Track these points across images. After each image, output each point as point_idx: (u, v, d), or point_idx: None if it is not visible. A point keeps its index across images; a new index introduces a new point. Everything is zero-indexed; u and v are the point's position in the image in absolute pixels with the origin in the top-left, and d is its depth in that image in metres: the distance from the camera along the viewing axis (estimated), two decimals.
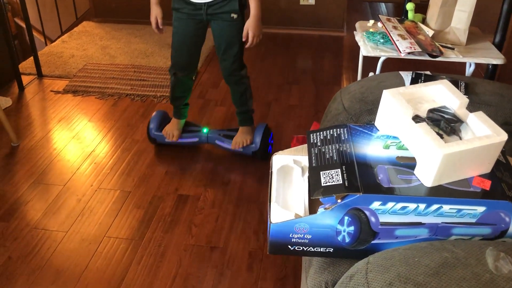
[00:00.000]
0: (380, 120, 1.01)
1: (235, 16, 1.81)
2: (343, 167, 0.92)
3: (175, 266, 1.55)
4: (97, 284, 1.50)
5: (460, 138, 0.92)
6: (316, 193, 0.90)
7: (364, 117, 1.33)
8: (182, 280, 1.50)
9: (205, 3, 1.78)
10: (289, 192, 1.02)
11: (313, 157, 0.98)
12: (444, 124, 0.93)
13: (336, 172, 0.92)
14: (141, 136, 2.28)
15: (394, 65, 1.89)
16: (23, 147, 2.22)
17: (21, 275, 1.52)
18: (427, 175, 0.88)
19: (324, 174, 0.92)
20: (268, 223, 0.95)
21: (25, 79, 2.81)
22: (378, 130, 1.02)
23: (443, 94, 0.98)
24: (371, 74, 1.81)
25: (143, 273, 1.53)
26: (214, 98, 2.65)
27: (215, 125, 2.38)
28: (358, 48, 1.90)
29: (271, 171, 1.06)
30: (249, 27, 1.78)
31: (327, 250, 0.96)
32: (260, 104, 2.57)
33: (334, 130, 1.02)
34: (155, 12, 1.88)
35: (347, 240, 0.93)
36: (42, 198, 1.88)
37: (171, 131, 2.09)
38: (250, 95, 2.04)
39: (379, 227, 0.90)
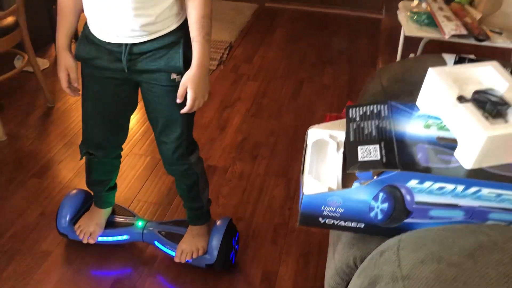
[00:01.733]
0: (423, 99, 0.99)
1: (177, 77, 1.14)
2: (382, 143, 0.91)
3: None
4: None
5: (506, 122, 0.89)
6: (352, 167, 0.89)
7: (403, 98, 1.31)
8: None
9: (126, 45, 1.11)
10: (323, 166, 1.02)
11: (351, 132, 0.97)
12: (490, 106, 0.90)
13: (374, 147, 0.90)
14: None
15: (435, 48, 1.85)
16: (58, 108, 2.26)
17: (52, 230, 1.56)
18: (468, 156, 0.86)
19: (362, 149, 0.91)
20: (301, 194, 0.95)
21: None
22: (419, 109, 1.00)
23: (491, 76, 0.95)
24: (411, 55, 1.77)
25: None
26: (247, 73, 2.65)
27: (245, 100, 2.38)
28: (396, 31, 1.86)
29: (306, 144, 1.06)
30: (189, 83, 1.09)
31: (358, 226, 0.95)
32: (292, 82, 2.55)
33: (374, 106, 1.00)
34: (65, 62, 1.19)
35: (379, 217, 0.92)
36: (75, 158, 1.92)
37: (87, 227, 1.45)
38: (204, 185, 1.39)
39: (414, 206, 0.89)
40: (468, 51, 1.73)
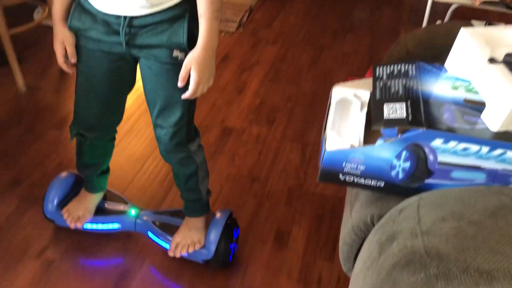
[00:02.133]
0: (452, 60, 0.98)
1: (179, 55, 1.03)
2: (408, 101, 0.90)
3: (216, 191, 1.59)
4: (140, 199, 1.56)
5: None
6: (378, 124, 0.89)
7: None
8: (223, 205, 1.55)
9: (125, 17, 1.00)
10: (346, 124, 1.01)
11: (378, 90, 0.96)
12: None
13: (401, 105, 0.90)
14: None
15: (462, 18, 1.80)
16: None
17: None
18: (495, 119, 0.85)
19: (388, 106, 0.91)
20: (322, 150, 0.95)
21: None
22: (447, 70, 0.98)
23: None
24: (438, 22, 1.73)
25: None
26: (266, 37, 2.62)
27: (264, 64, 2.36)
28: (420, 3, 1.81)
29: (330, 102, 1.05)
30: (193, 65, 0.98)
31: (377, 184, 0.96)
32: (312, 49, 2.52)
33: (402, 65, 0.99)
34: (62, 35, 1.06)
35: (400, 175, 0.92)
36: None
37: (75, 212, 1.35)
38: (204, 175, 1.28)
39: (436, 166, 0.89)
40: (498, 20, 1.69)
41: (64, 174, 1.42)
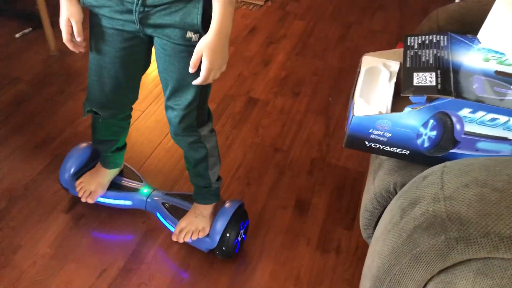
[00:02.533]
0: (486, 31, 0.98)
1: (193, 36, 0.99)
2: (438, 71, 0.91)
3: (240, 158, 1.63)
4: (167, 162, 1.60)
5: None
6: (407, 91, 0.90)
7: None
8: (245, 171, 1.58)
9: None
10: (374, 92, 1.03)
11: (408, 59, 0.97)
12: None
13: (431, 74, 0.91)
14: None
15: None
16: None
17: None
18: None
19: (418, 75, 0.92)
20: (350, 115, 0.97)
21: None
22: (480, 42, 0.98)
23: None
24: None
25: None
26: (294, 11, 2.61)
27: (291, 38, 2.36)
28: None
29: (359, 70, 1.06)
30: (205, 51, 0.95)
31: (402, 152, 0.97)
32: (340, 25, 2.51)
33: (434, 36, 1.00)
34: (69, 12, 1.02)
35: (426, 144, 0.94)
36: None
37: (88, 185, 1.35)
38: (215, 162, 1.25)
39: (462, 136, 0.90)
40: None
41: (83, 144, 1.41)
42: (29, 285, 1.21)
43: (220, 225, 1.24)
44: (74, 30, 1.03)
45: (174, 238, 1.29)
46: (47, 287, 1.21)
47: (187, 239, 1.27)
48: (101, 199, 1.38)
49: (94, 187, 1.35)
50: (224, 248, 1.25)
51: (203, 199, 1.29)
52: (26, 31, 2.19)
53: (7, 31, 2.18)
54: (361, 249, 1.35)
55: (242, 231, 1.30)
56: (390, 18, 2.62)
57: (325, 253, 1.35)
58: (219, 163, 1.28)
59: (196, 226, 1.27)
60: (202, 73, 0.97)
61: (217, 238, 1.24)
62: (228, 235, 1.24)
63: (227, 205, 1.28)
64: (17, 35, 2.16)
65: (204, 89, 1.09)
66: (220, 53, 0.96)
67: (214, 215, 1.28)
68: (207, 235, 1.26)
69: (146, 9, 0.97)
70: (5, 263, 1.25)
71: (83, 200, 1.35)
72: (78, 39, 1.06)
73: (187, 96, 1.07)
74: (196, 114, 1.12)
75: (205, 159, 1.21)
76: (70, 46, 1.07)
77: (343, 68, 2.15)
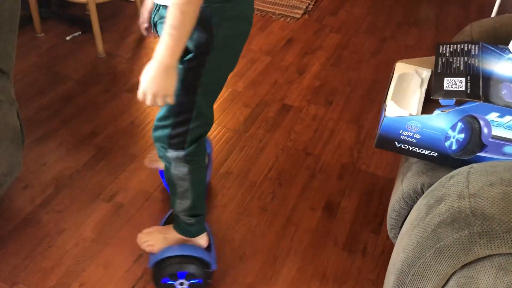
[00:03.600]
0: None
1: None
2: (468, 77, 0.96)
3: (272, 160, 1.69)
4: None
5: None
6: (437, 94, 0.95)
7: None
8: (277, 173, 1.64)
9: (157, 5, 1.04)
10: (405, 97, 1.08)
11: (439, 65, 1.02)
12: None
13: (460, 80, 0.95)
14: (255, 47, 2.39)
15: None
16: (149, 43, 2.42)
17: (141, 138, 1.74)
18: None
19: (448, 80, 0.96)
20: (382, 116, 1.02)
21: None
22: (511, 52, 1.03)
23: None
24: (507, 14, 1.74)
25: (243, 160, 1.69)
26: (330, 25, 2.68)
27: (326, 49, 2.43)
28: (490, 1, 1.80)
29: (392, 75, 1.12)
30: (143, 71, 0.94)
31: (431, 154, 1.02)
32: (375, 39, 2.56)
33: (465, 44, 1.04)
34: (147, 4, 1.17)
35: (454, 147, 0.98)
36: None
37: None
38: (185, 196, 1.17)
39: (490, 139, 0.94)
40: None
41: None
42: (71, 264, 1.29)
43: (162, 253, 1.19)
44: (146, 17, 1.19)
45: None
46: (87, 267, 1.29)
47: (142, 247, 1.25)
48: None
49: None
50: (153, 275, 1.22)
51: (175, 222, 1.25)
52: (76, 34, 2.33)
53: (59, 33, 2.33)
54: (387, 252, 1.39)
55: (181, 279, 1.21)
56: (424, 34, 2.66)
57: (351, 254, 1.39)
58: (191, 200, 1.17)
59: (153, 239, 1.24)
60: (138, 92, 0.96)
61: (152, 260, 1.20)
62: (160, 268, 1.19)
63: (192, 248, 1.21)
64: (68, 38, 2.31)
65: (181, 113, 1.05)
66: (155, 81, 0.92)
67: (178, 243, 1.22)
68: (153, 253, 1.22)
69: (156, 18, 1.04)
70: (51, 243, 1.34)
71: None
72: (142, 25, 1.22)
73: (162, 109, 1.07)
74: (169, 132, 1.07)
75: (171, 182, 1.16)
76: (141, 27, 1.22)
77: (376, 80, 2.20)
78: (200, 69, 1.00)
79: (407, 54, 2.45)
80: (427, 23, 2.81)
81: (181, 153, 1.10)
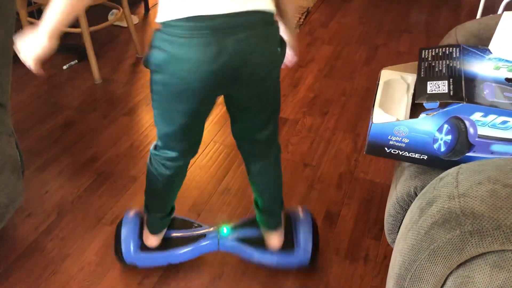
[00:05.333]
0: (496, 42, 1.04)
1: None
2: (451, 79, 0.98)
3: None
4: (202, 178, 1.70)
5: None
6: (421, 98, 0.97)
7: None
8: None
9: None
10: (392, 103, 1.10)
11: (422, 70, 1.04)
12: None
13: (443, 83, 0.97)
14: None
15: None
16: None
17: (141, 160, 1.76)
18: None
19: (431, 84, 0.98)
20: (370, 123, 1.04)
21: (151, 2, 3.06)
22: (491, 53, 1.05)
23: None
24: (491, 15, 1.77)
25: (241, 176, 1.71)
26: (322, 37, 2.71)
27: (319, 61, 2.46)
28: (479, 4, 1.83)
29: (378, 83, 1.14)
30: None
31: (421, 157, 1.03)
32: (367, 48, 2.59)
33: (446, 48, 1.07)
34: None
35: (442, 149, 1.00)
36: None
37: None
38: (148, 192, 1.28)
39: (476, 139, 0.96)
40: None
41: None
42: None
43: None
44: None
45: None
46: None
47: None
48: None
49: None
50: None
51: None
52: (72, 63, 2.38)
53: (56, 63, 2.38)
54: (389, 258, 1.39)
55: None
56: (416, 40, 2.69)
57: (353, 262, 1.40)
58: (151, 199, 1.27)
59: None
60: None
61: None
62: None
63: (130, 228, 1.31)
64: (65, 67, 2.35)
65: (156, 114, 1.10)
66: (24, 40, 1.00)
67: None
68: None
69: None
70: (55, 269, 1.36)
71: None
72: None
73: None
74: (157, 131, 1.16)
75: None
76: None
77: (370, 88, 2.22)
78: (153, 86, 1.04)
79: (400, 60, 2.48)
80: (418, 28, 2.84)
81: (158, 151, 1.17)
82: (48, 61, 2.39)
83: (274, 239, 1.30)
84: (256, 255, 1.31)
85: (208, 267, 1.38)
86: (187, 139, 1.13)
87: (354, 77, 2.32)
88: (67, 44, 2.55)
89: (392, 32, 2.78)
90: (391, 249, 1.40)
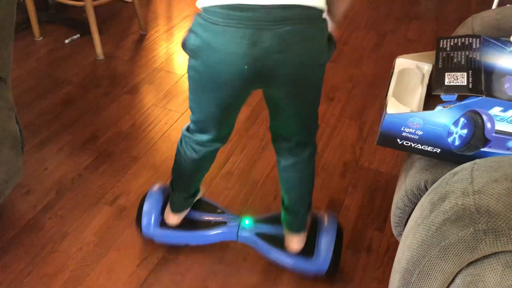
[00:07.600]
0: None
1: None
2: (470, 71, 0.94)
3: (274, 159, 1.67)
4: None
5: None
6: (439, 90, 0.93)
7: None
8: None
9: None
10: (406, 92, 1.07)
11: (440, 60, 1.00)
12: None
13: (462, 74, 0.94)
14: None
15: None
16: (149, 37, 2.41)
17: (143, 140, 1.73)
18: None
19: (449, 75, 0.95)
20: (383, 114, 1.01)
21: None
22: None
23: None
24: (508, 5, 1.72)
25: (244, 159, 1.68)
26: None
27: None
28: None
29: (393, 71, 1.10)
30: None
31: (434, 150, 1.00)
32: (375, 34, 2.54)
33: (466, 38, 1.03)
34: None
35: (457, 142, 0.97)
36: (164, 82, 2.07)
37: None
38: (173, 178, 1.29)
39: (493, 134, 0.93)
40: None
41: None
42: (75, 269, 1.29)
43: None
44: None
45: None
46: (91, 272, 1.29)
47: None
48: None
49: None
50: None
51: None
52: (74, 37, 2.33)
53: (58, 37, 2.32)
54: (392, 250, 1.38)
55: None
56: (425, 28, 2.64)
57: (356, 253, 1.38)
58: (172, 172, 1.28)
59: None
60: None
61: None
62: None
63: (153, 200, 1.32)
64: (67, 41, 2.30)
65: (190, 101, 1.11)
66: None
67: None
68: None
69: None
70: (54, 248, 1.34)
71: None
72: None
73: None
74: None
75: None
76: None
77: (378, 74, 2.18)
78: (188, 70, 1.00)
79: (408, 47, 2.43)
80: (427, 16, 2.79)
81: (181, 138, 1.18)
82: (50, 34, 2.34)
83: (294, 242, 1.24)
84: (273, 253, 1.27)
85: (208, 251, 1.36)
86: (216, 128, 1.10)
87: (361, 63, 2.28)
88: (70, 17, 2.49)
89: (401, 19, 2.73)
90: (394, 241, 1.38)
